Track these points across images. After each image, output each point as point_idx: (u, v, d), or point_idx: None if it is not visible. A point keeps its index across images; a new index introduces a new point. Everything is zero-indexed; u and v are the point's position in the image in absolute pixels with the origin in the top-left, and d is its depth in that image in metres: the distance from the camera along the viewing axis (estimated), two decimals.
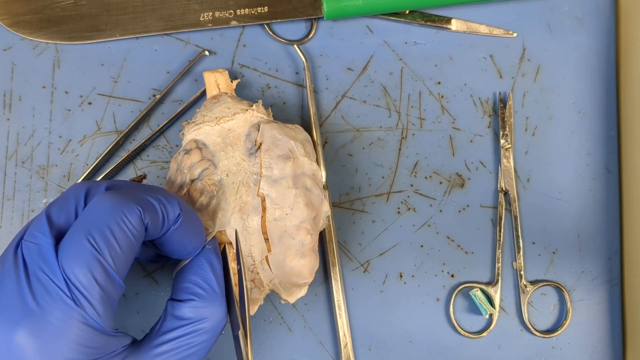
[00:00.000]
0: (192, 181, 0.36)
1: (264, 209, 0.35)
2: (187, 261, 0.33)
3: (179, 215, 0.31)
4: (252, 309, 0.37)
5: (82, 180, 0.41)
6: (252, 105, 0.38)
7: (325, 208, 0.37)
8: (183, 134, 0.38)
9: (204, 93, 0.42)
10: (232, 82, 0.40)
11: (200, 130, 0.37)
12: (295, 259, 0.35)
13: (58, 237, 0.29)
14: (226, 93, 0.39)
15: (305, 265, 0.35)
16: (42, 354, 0.26)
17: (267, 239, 0.35)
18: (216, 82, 0.40)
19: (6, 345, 0.26)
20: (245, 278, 0.33)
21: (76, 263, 0.27)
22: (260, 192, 0.35)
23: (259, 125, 0.37)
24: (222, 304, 0.32)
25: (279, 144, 0.36)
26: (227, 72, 0.40)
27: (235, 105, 0.37)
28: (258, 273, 0.36)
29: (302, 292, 0.38)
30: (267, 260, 0.36)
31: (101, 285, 0.27)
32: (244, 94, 0.43)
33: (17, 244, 0.29)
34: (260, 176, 0.35)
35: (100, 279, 0.27)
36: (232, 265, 0.34)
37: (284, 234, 0.35)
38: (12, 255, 0.28)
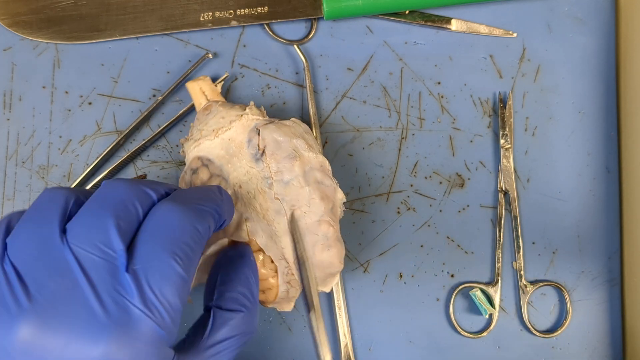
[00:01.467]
0: None
1: (284, 209, 0.36)
2: (230, 266, 0.34)
3: (224, 220, 0.32)
4: (289, 306, 0.37)
5: (86, 183, 0.41)
6: (244, 109, 0.38)
7: (340, 195, 0.37)
8: (183, 152, 0.38)
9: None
10: (216, 85, 0.40)
11: (201, 146, 0.37)
12: (323, 253, 0.36)
13: (126, 249, 0.27)
14: (216, 102, 0.39)
15: (334, 255, 0.36)
16: None
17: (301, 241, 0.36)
18: (201, 89, 0.40)
19: (80, 355, 0.25)
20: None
21: (165, 281, 0.26)
22: (275, 195, 0.35)
23: (257, 129, 0.36)
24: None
25: (282, 146, 0.36)
26: (208, 78, 0.40)
27: (228, 113, 0.37)
28: (293, 274, 0.36)
29: (335, 280, 0.38)
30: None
31: (182, 301, 0.27)
32: (244, 94, 0.43)
33: (62, 241, 0.26)
34: (272, 179, 0.35)
35: (184, 295, 0.27)
36: (262, 272, 0.35)
37: (307, 232, 0.35)
38: (66, 261, 0.26)
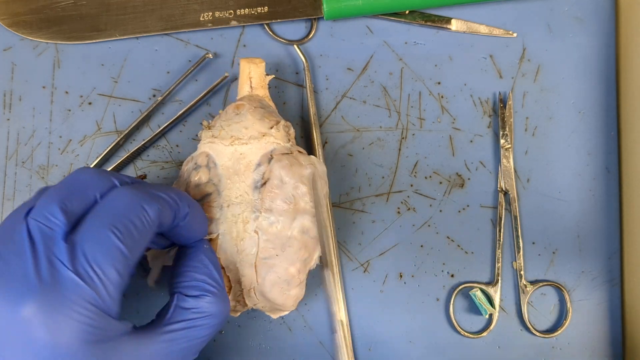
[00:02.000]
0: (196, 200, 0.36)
1: (257, 245, 0.36)
2: (186, 256, 0.34)
3: (187, 213, 0.33)
4: (235, 314, 0.38)
5: None
6: (272, 127, 0.37)
7: (319, 248, 0.38)
8: (201, 135, 0.38)
9: (221, 88, 0.42)
10: (267, 76, 0.40)
11: (214, 145, 0.37)
12: (278, 294, 0.36)
13: (70, 223, 0.29)
14: (251, 101, 0.38)
15: (289, 298, 0.37)
16: (49, 331, 0.26)
17: (256, 271, 0.36)
18: (249, 74, 0.39)
19: (11, 319, 0.27)
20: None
21: (99, 251, 0.28)
22: (256, 229, 0.35)
23: (271, 157, 0.36)
24: (227, 298, 0.34)
25: (283, 187, 0.35)
26: (264, 64, 0.40)
27: (253, 126, 0.37)
28: (244, 298, 0.37)
29: (283, 313, 0.39)
30: (254, 290, 0.36)
31: (119, 273, 0.28)
32: None
33: (25, 217, 0.29)
34: (260, 213, 0.35)
35: (120, 267, 0.28)
36: None
37: (270, 271, 0.36)
38: (19, 231, 0.28)
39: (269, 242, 0.35)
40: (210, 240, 0.36)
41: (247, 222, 0.36)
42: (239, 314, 0.38)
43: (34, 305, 0.26)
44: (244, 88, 0.39)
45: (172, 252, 0.36)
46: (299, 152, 0.37)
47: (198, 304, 0.32)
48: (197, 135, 0.42)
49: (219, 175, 0.36)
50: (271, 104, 0.39)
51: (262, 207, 0.35)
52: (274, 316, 0.39)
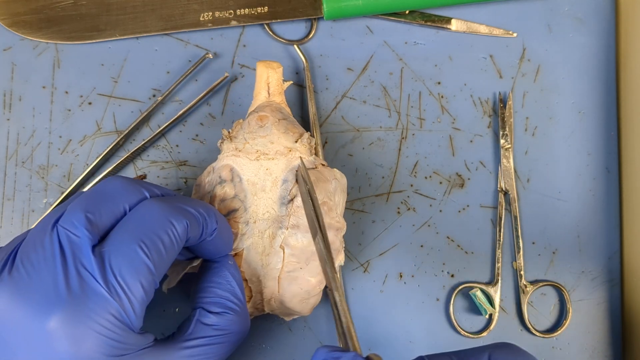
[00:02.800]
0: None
1: (283, 260, 0.36)
2: (210, 271, 0.34)
3: (215, 229, 0.33)
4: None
5: (87, 183, 0.41)
6: (297, 140, 0.37)
7: (341, 257, 0.38)
8: (221, 144, 0.38)
9: (221, 88, 0.42)
10: (284, 83, 0.40)
11: (239, 159, 0.36)
12: (298, 303, 0.37)
13: (99, 233, 0.29)
14: (274, 113, 0.37)
15: (308, 306, 0.37)
16: (73, 343, 0.26)
17: (279, 284, 0.36)
18: (267, 79, 0.39)
19: (37, 330, 0.27)
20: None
21: (126, 266, 0.28)
22: (282, 245, 0.36)
23: (297, 172, 0.36)
24: (247, 315, 0.34)
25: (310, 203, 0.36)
26: (281, 69, 0.39)
27: (279, 141, 0.36)
28: (263, 306, 0.37)
29: (296, 316, 0.39)
30: (274, 300, 0.37)
31: (144, 289, 0.28)
32: (244, 94, 0.43)
33: (53, 226, 0.29)
34: (287, 229, 0.36)
35: (145, 283, 0.28)
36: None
37: (293, 283, 0.36)
38: (49, 238, 0.28)
39: (294, 257, 0.36)
40: (235, 255, 0.36)
41: (273, 237, 0.36)
42: (252, 317, 0.38)
43: (61, 316, 0.26)
44: (261, 94, 0.39)
45: (196, 262, 0.36)
46: (322, 164, 0.38)
47: (219, 321, 0.32)
48: (197, 136, 0.42)
49: (245, 190, 0.36)
50: (288, 110, 0.39)
51: (288, 224, 0.36)
52: (287, 319, 0.39)
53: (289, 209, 0.36)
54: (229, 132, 0.38)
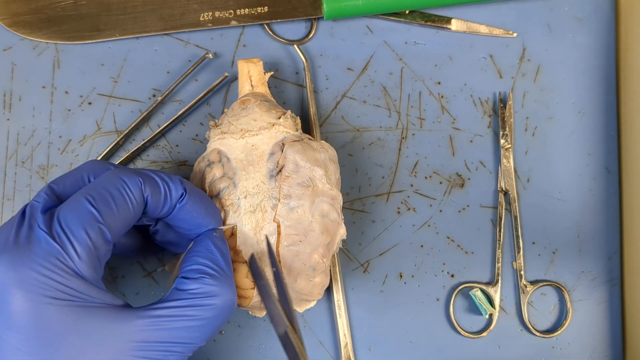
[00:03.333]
0: (212, 197, 0.36)
1: (279, 234, 0.35)
2: (194, 244, 0.34)
3: (182, 194, 0.33)
4: (261, 314, 0.38)
5: None
6: (279, 117, 0.37)
7: (342, 231, 0.38)
8: (208, 134, 0.38)
9: (221, 88, 0.42)
10: (265, 74, 0.40)
11: (225, 141, 0.37)
12: (305, 282, 0.36)
13: (59, 199, 0.31)
14: (256, 97, 0.38)
15: (315, 286, 0.36)
16: (19, 286, 0.28)
17: (280, 261, 0.35)
18: (249, 73, 0.39)
19: None
20: (284, 277, 0.33)
21: (70, 214, 0.29)
22: (276, 217, 0.35)
23: (283, 145, 0.36)
24: (232, 286, 0.32)
25: (300, 171, 0.35)
26: (261, 62, 0.40)
27: (262, 118, 0.37)
28: None
29: (311, 304, 0.39)
30: None
31: (89, 236, 0.29)
32: None
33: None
34: (279, 201, 0.35)
35: (91, 231, 0.29)
36: (267, 270, 0.35)
37: (295, 259, 0.35)
38: (20, 210, 0.31)
39: (291, 228, 0.35)
40: (231, 235, 0.36)
41: (265, 211, 0.35)
42: (265, 312, 0.38)
43: (5, 261, 0.28)
44: (244, 87, 0.39)
45: None
46: (309, 138, 0.37)
47: (195, 286, 0.31)
48: (197, 136, 0.42)
49: (233, 168, 0.36)
50: (272, 99, 0.40)
51: (279, 194, 0.35)
52: (301, 310, 0.38)
53: (278, 180, 0.35)
54: (215, 122, 0.38)
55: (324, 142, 0.38)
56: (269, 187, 0.36)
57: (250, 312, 0.38)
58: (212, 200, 0.35)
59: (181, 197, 0.33)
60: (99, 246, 0.29)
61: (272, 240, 0.35)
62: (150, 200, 0.32)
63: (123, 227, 0.31)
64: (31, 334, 0.28)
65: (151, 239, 0.37)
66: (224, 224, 0.36)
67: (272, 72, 0.41)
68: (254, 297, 0.36)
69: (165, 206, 0.32)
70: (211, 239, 0.34)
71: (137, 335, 0.29)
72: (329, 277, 0.37)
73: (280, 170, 0.36)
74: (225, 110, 0.39)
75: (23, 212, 0.30)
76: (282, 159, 0.36)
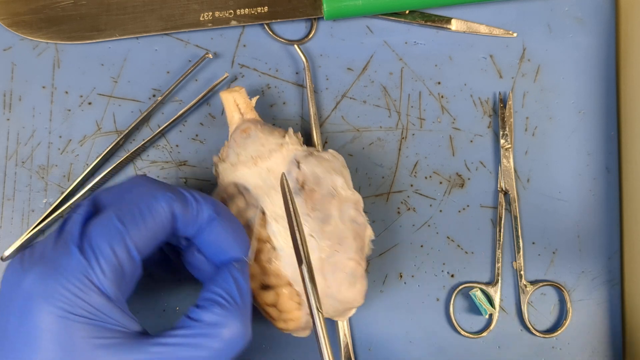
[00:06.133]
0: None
1: (317, 248, 0.35)
2: (214, 274, 0.34)
3: (212, 215, 0.32)
4: (306, 334, 0.38)
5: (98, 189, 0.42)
6: (284, 136, 0.37)
7: (369, 232, 0.37)
8: (216, 172, 0.38)
9: (221, 88, 0.42)
10: (250, 100, 0.40)
11: (238, 172, 0.36)
12: (348, 290, 0.36)
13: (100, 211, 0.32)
14: (254, 123, 0.38)
15: (358, 292, 0.36)
16: (45, 299, 0.28)
17: (323, 275, 0.35)
18: (235, 102, 0.39)
19: (18, 287, 0.29)
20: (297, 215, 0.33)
21: (99, 230, 0.30)
22: (310, 232, 0.35)
23: (297, 162, 0.36)
24: (243, 318, 0.31)
25: (321, 182, 0.35)
26: (244, 90, 0.39)
27: (268, 140, 0.37)
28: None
29: (352, 312, 0.38)
30: (324, 297, 0.36)
31: (115, 253, 0.29)
32: None
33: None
34: (309, 216, 0.35)
35: (117, 248, 0.29)
36: (288, 303, 0.36)
37: (335, 269, 0.35)
38: (61, 221, 0.32)
39: (327, 240, 0.35)
40: (279, 275, 0.35)
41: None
42: (309, 331, 0.37)
43: (37, 272, 0.28)
44: (234, 117, 0.39)
45: None
46: (317, 151, 0.38)
47: (204, 314, 0.30)
48: (197, 136, 0.42)
49: (255, 196, 0.36)
50: (267, 123, 0.39)
51: (307, 210, 0.35)
52: (343, 319, 0.38)
53: (303, 195, 0.35)
54: (218, 157, 0.38)
55: (331, 150, 0.38)
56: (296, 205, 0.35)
57: (294, 335, 0.37)
58: (244, 228, 0.34)
59: (210, 219, 0.32)
60: (124, 263, 0.29)
61: (315, 256, 0.35)
62: (180, 218, 0.31)
63: (151, 244, 0.31)
64: (49, 347, 0.28)
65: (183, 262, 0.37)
66: (258, 253, 0.35)
67: (258, 97, 0.41)
68: (301, 318, 0.35)
69: (195, 225, 0.32)
70: (229, 268, 0.33)
71: None
72: (367, 281, 0.37)
73: (302, 186, 0.36)
74: (226, 142, 0.38)
75: (63, 224, 0.31)
76: (301, 175, 0.36)
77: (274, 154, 0.36)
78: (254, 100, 0.40)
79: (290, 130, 0.38)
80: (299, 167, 0.36)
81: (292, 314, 0.36)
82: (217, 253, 0.33)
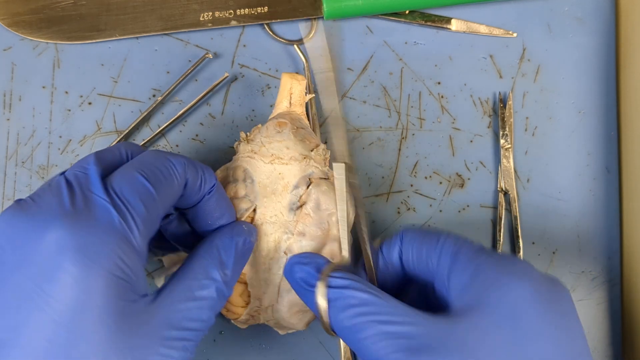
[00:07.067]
0: None
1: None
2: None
3: (214, 185, 0.33)
4: (244, 326, 0.38)
5: None
6: (312, 150, 0.37)
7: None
8: (237, 146, 0.38)
9: (221, 88, 0.42)
10: (306, 95, 0.40)
11: (253, 161, 0.36)
12: (295, 316, 0.36)
13: (106, 171, 0.29)
14: (293, 122, 0.37)
15: (302, 320, 0.37)
16: (80, 253, 0.25)
17: (279, 291, 0.36)
18: (290, 89, 0.39)
19: (37, 244, 0.25)
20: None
21: (126, 185, 0.28)
22: (286, 250, 0.36)
23: (309, 180, 0.36)
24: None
25: (320, 213, 0.36)
26: (305, 81, 0.39)
27: (295, 147, 0.36)
28: (259, 314, 0.37)
29: (292, 329, 0.38)
30: (271, 308, 0.37)
31: (146, 206, 0.28)
32: (244, 94, 0.43)
33: (61, 174, 0.29)
34: (293, 235, 0.36)
35: (147, 202, 0.28)
36: (237, 298, 0.36)
37: (292, 292, 0.35)
38: (56, 180, 0.28)
39: None
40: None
41: (278, 242, 0.36)
42: (247, 326, 0.38)
43: (66, 227, 0.25)
44: (282, 103, 0.39)
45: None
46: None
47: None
48: (197, 136, 0.42)
49: (256, 192, 0.36)
50: (307, 122, 0.39)
51: (295, 230, 0.36)
52: (282, 332, 0.39)
53: (297, 215, 0.36)
54: (246, 134, 0.38)
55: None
56: (286, 219, 0.36)
57: (233, 322, 0.38)
58: (229, 201, 0.35)
59: (211, 189, 0.33)
60: (152, 222, 0.28)
61: (279, 272, 0.36)
62: (189, 186, 0.31)
63: (168, 206, 0.30)
64: (76, 307, 0.25)
65: (163, 236, 0.36)
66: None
67: (313, 95, 0.41)
68: (242, 316, 0.37)
69: (199, 193, 0.32)
70: (236, 229, 0.34)
71: (163, 324, 0.28)
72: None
73: (301, 206, 0.36)
74: (259, 125, 0.38)
75: (67, 180, 0.28)
76: (305, 195, 0.36)
77: (293, 162, 0.36)
78: (309, 97, 0.40)
79: (322, 147, 0.37)
80: (308, 187, 0.36)
81: (236, 309, 0.36)
82: (213, 221, 0.34)
